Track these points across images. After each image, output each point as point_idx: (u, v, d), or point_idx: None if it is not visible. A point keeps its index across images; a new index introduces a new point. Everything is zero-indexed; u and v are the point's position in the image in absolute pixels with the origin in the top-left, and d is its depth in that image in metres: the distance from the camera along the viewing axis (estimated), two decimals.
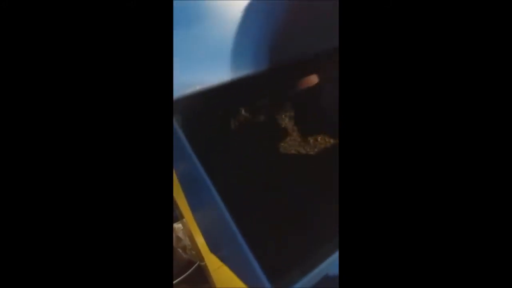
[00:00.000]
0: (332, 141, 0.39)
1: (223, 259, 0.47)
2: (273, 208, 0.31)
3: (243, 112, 0.42)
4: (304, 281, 0.26)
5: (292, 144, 0.38)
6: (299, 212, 0.31)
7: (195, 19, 0.34)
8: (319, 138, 0.39)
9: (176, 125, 0.35)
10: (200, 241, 0.53)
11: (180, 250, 0.58)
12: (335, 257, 0.27)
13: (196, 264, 0.56)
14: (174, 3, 0.30)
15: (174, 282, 0.54)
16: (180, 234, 0.59)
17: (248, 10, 0.36)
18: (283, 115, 0.43)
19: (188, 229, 0.56)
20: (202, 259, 0.53)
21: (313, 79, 0.45)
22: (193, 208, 0.52)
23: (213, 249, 0.50)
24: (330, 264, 0.27)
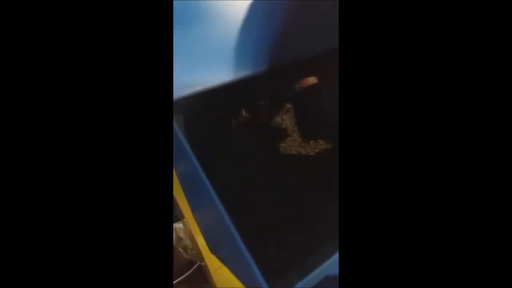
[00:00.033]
0: (332, 141, 0.39)
1: (222, 260, 0.47)
2: (273, 209, 0.31)
3: (243, 112, 0.42)
4: (304, 282, 0.26)
5: (292, 145, 0.38)
6: (299, 213, 0.31)
7: (195, 19, 0.34)
8: (319, 139, 0.39)
9: (176, 125, 0.35)
10: (201, 241, 0.53)
11: (181, 250, 0.58)
12: (335, 257, 0.27)
13: (196, 264, 0.56)
14: (174, 3, 0.30)
15: (175, 281, 0.54)
16: (181, 234, 0.60)
17: (248, 10, 0.36)
18: (283, 115, 0.43)
19: (188, 229, 0.56)
20: (202, 259, 0.53)
21: (313, 79, 0.45)
22: (193, 208, 0.52)
23: (213, 249, 0.50)
24: (331, 265, 0.27)
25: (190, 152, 0.33)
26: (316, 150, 0.37)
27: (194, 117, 0.39)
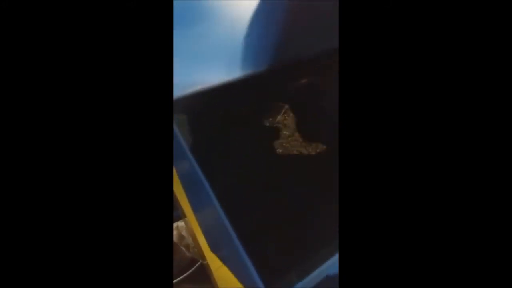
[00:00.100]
0: (332, 141, 0.39)
1: (222, 259, 0.47)
2: (272, 209, 0.31)
3: (243, 112, 0.42)
4: (304, 282, 0.26)
5: (294, 145, 0.38)
6: (299, 213, 0.31)
7: (195, 19, 0.34)
8: (320, 139, 0.39)
9: (175, 125, 0.36)
10: (202, 240, 0.53)
11: (183, 248, 0.58)
12: (335, 258, 0.27)
13: (198, 263, 0.56)
14: (174, 3, 0.30)
15: (177, 279, 0.54)
16: (184, 232, 0.60)
17: (248, 11, 0.36)
18: (283, 115, 0.43)
19: (190, 228, 0.56)
20: (204, 257, 0.53)
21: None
22: (194, 207, 0.52)
23: (213, 248, 0.50)
24: (331, 265, 0.27)
25: (189, 152, 0.33)
26: (318, 150, 0.37)
27: (194, 117, 0.39)
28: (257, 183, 0.33)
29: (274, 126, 0.41)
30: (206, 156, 0.34)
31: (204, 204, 0.36)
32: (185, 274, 0.55)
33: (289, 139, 0.39)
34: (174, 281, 0.54)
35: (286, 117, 0.42)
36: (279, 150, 0.38)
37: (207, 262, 0.52)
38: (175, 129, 0.36)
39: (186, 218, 0.56)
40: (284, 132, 0.40)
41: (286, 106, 0.43)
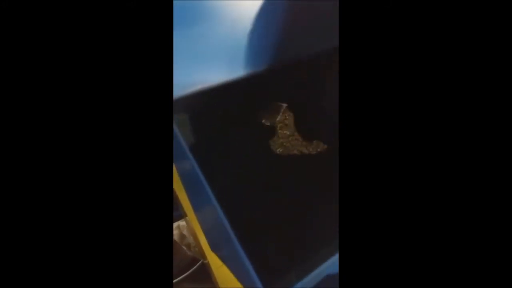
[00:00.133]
0: (332, 141, 0.39)
1: (222, 259, 0.47)
2: (272, 209, 0.31)
3: (243, 112, 0.42)
4: (304, 282, 0.26)
5: (295, 144, 0.38)
6: (299, 213, 0.31)
7: (195, 19, 0.34)
8: (320, 139, 0.39)
9: (175, 125, 0.36)
10: (203, 239, 0.53)
11: (184, 248, 0.58)
12: (335, 258, 0.27)
13: (199, 262, 0.56)
14: (174, 3, 0.30)
15: (178, 279, 0.54)
16: (185, 232, 0.60)
17: (249, 11, 0.36)
18: (283, 115, 0.43)
19: (191, 227, 0.56)
20: (205, 257, 0.53)
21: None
22: (194, 207, 0.52)
23: (214, 248, 0.50)
24: (330, 265, 0.27)
25: (189, 152, 0.33)
26: (319, 149, 0.37)
27: (194, 117, 0.39)
28: (257, 183, 0.33)
29: (274, 126, 0.41)
30: (206, 156, 0.34)
31: (204, 203, 0.36)
32: (186, 273, 0.55)
33: (290, 139, 0.39)
34: (175, 280, 0.54)
35: (287, 117, 0.42)
36: (279, 150, 0.38)
37: (208, 262, 0.52)
38: (175, 129, 0.36)
39: (187, 217, 0.56)
40: (285, 132, 0.40)
41: (286, 106, 0.43)
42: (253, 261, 0.26)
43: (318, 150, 0.38)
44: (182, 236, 0.60)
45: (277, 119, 0.41)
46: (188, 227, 0.59)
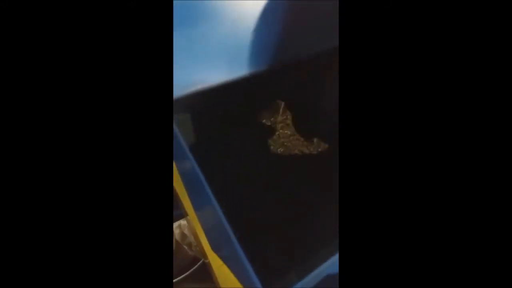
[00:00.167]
0: (332, 141, 0.39)
1: (223, 259, 0.47)
2: (272, 209, 0.31)
3: (242, 112, 0.42)
4: (304, 282, 0.26)
5: (296, 144, 0.38)
6: (299, 213, 0.31)
7: (195, 19, 0.34)
8: (320, 139, 0.39)
9: (175, 125, 0.36)
10: (204, 238, 0.53)
11: (185, 247, 0.58)
12: (335, 258, 0.27)
13: (200, 261, 0.56)
14: (174, 3, 0.30)
15: (179, 278, 0.54)
16: (186, 231, 0.60)
17: (249, 10, 0.36)
18: (283, 115, 0.43)
19: (192, 226, 0.56)
20: (206, 256, 0.53)
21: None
22: (195, 207, 0.52)
23: (214, 248, 0.50)
24: (330, 265, 0.27)
25: (189, 152, 0.33)
26: (319, 149, 0.37)
27: (194, 117, 0.39)
28: (257, 183, 0.33)
29: (274, 125, 0.41)
30: (206, 156, 0.34)
31: (204, 203, 0.36)
32: (187, 273, 0.55)
33: (291, 138, 0.39)
34: (176, 279, 0.55)
35: (287, 116, 0.42)
36: (280, 150, 0.38)
37: (209, 261, 0.52)
38: (175, 128, 0.36)
39: (188, 216, 0.56)
40: (286, 131, 0.40)
41: (285, 106, 0.43)
42: (253, 261, 0.26)
43: (319, 150, 0.38)
44: (183, 235, 0.60)
45: (278, 118, 0.42)
46: (189, 226, 0.59)
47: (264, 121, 0.41)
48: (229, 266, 0.44)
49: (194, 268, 0.56)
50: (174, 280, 0.55)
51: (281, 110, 0.42)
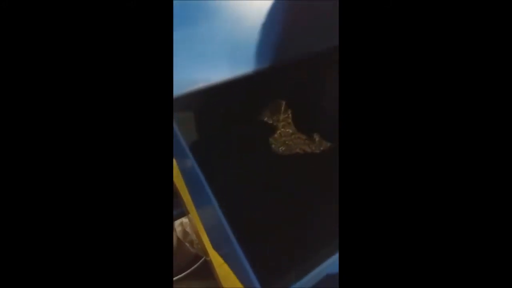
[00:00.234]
0: (332, 141, 0.39)
1: (223, 257, 0.47)
2: (272, 209, 0.31)
3: (242, 111, 0.42)
4: (303, 282, 0.26)
5: (297, 142, 0.38)
6: (299, 213, 0.31)
7: (195, 18, 0.34)
8: (320, 138, 0.39)
9: (175, 123, 0.36)
10: (205, 236, 0.53)
11: (187, 245, 0.58)
12: (335, 258, 0.27)
13: (202, 259, 0.56)
14: (174, 2, 0.30)
15: (181, 275, 0.54)
16: (188, 229, 0.60)
17: (249, 10, 0.36)
18: (283, 114, 0.43)
19: (194, 224, 0.56)
20: (207, 254, 0.53)
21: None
22: (196, 205, 0.52)
23: (215, 246, 0.50)
24: (330, 265, 0.27)
25: (188, 151, 0.33)
26: (322, 148, 0.37)
27: (194, 115, 0.39)
28: (257, 183, 0.33)
29: (276, 124, 0.41)
30: (206, 154, 0.34)
31: (204, 202, 0.36)
32: (189, 270, 0.55)
33: (292, 137, 0.39)
34: (178, 276, 0.55)
35: (289, 115, 0.42)
36: (282, 148, 0.38)
37: (211, 259, 0.52)
38: (175, 127, 0.36)
39: (189, 214, 0.56)
40: (287, 130, 0.40)
41: (286, 105, 0.43)
42: (252, 261, 0.26)
43: (321, 148, 0.38)
44: (185, 233, 0.60)
45: (280, 117, 0.42)
46: (191, 224, 0.59)
47: (266, 119, 0.41)
48: (229, 265, 0.44)
49: (196, 265, 0.56)
50: (175, 278, 0.55)
51: (282, 109, 0.42)
